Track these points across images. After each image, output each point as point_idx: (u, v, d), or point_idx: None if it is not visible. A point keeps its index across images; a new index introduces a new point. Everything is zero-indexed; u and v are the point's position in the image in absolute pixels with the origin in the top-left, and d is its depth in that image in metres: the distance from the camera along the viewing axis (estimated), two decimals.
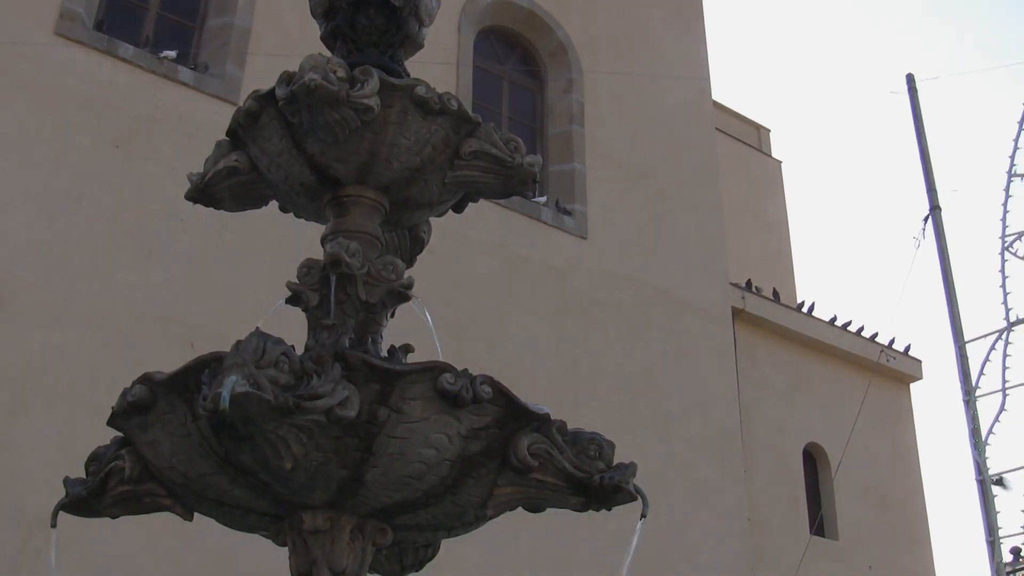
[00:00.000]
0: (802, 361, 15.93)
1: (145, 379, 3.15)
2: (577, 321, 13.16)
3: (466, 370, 3.09)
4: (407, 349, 3.61)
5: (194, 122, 10.99)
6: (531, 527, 10.96)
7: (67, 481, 3.48)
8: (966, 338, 13.96)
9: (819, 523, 14.76)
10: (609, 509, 3.30)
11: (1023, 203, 17.27)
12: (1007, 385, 13.60)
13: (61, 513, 3.49)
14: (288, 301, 3.63)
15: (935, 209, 14.67)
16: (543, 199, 13.67)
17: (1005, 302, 14.13)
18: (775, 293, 16.49)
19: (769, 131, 22.18)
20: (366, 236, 3.66)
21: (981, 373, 13.71)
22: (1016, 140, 14.94)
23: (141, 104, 11.00)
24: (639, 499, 3.22)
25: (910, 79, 15.65)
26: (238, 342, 2.90)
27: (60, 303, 9.79)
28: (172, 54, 11.53)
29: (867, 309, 48.03)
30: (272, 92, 3.56)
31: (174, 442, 3.14)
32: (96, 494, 3.42)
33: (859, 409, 14.23)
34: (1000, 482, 13.82)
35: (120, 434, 3.38)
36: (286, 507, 3.22)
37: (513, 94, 14.77)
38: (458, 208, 3.99)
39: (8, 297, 9.59)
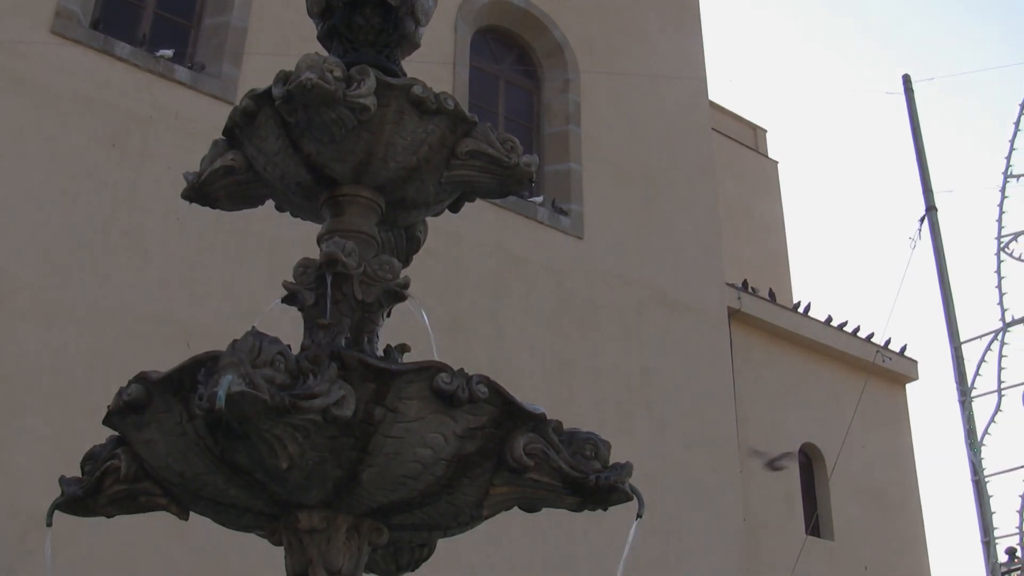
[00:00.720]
0: (798, 361, 15.94)
1: (141, 378, 3.15)
2: (573, 321, 13.16)
3: (462, 370, 3.09)
4: (403, 349, 3.61)
5: (190, 121, 10.97)
6: (527, 527, 10.99)
7: (63, 480, 3.47)
8: (962, 338, 13.97)
9: (815, 523, 14.76)
10: (605, 509, 3.29)
11: (1019, 204, 17.35)
12: (1003, 385, 13.60)
13: (57, 512, 3.48)
14: (284, 300, 3.62)
15: (931, 210, 14.67)
16: (539, 199, 13.65)
17: (1001, 302, 14.14)
18: (771, 293, 16.50)
19: (765, 131, 22.20)
20: (362, 235, 3.66)
21: (977, 373, 13.72)
22: (1012, 141, 14.96)
23: (137, 103, 10.99)
24: (635, 499, 3.22)
25: (906, 80, 15.67)
26: (234, 341, 2.89)
27: (56, 302, 9.77)
28: (168, 53, 11.50)
29: (863, 310, 48.14)
30: (269, 91, 3.56)
31: (170, 441, 3.13)
32: (92, 493, 3.41)
33: (855, 409, 14.23)
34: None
35: (116, 433, 3.38)
36: (282, 506, 3.21)
37: (509, 94, 14.77)
38: (454, 208, 3.99)
39: (4, 296, 9.57)
